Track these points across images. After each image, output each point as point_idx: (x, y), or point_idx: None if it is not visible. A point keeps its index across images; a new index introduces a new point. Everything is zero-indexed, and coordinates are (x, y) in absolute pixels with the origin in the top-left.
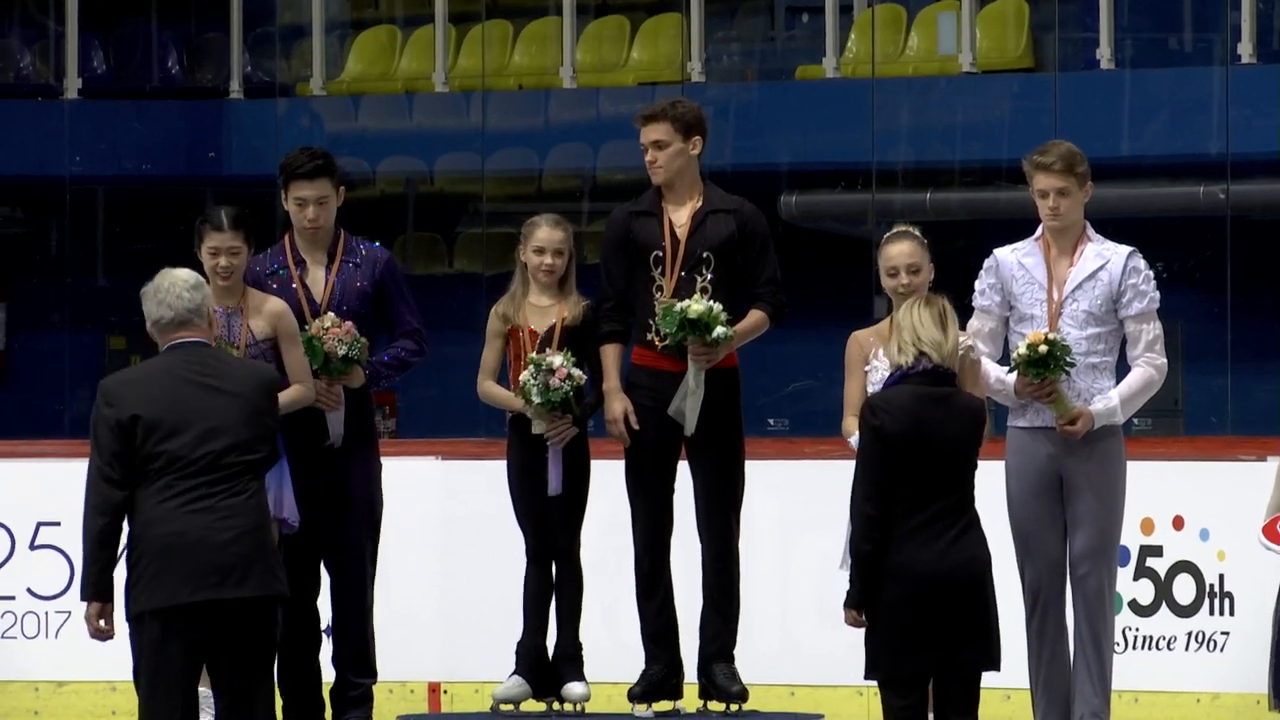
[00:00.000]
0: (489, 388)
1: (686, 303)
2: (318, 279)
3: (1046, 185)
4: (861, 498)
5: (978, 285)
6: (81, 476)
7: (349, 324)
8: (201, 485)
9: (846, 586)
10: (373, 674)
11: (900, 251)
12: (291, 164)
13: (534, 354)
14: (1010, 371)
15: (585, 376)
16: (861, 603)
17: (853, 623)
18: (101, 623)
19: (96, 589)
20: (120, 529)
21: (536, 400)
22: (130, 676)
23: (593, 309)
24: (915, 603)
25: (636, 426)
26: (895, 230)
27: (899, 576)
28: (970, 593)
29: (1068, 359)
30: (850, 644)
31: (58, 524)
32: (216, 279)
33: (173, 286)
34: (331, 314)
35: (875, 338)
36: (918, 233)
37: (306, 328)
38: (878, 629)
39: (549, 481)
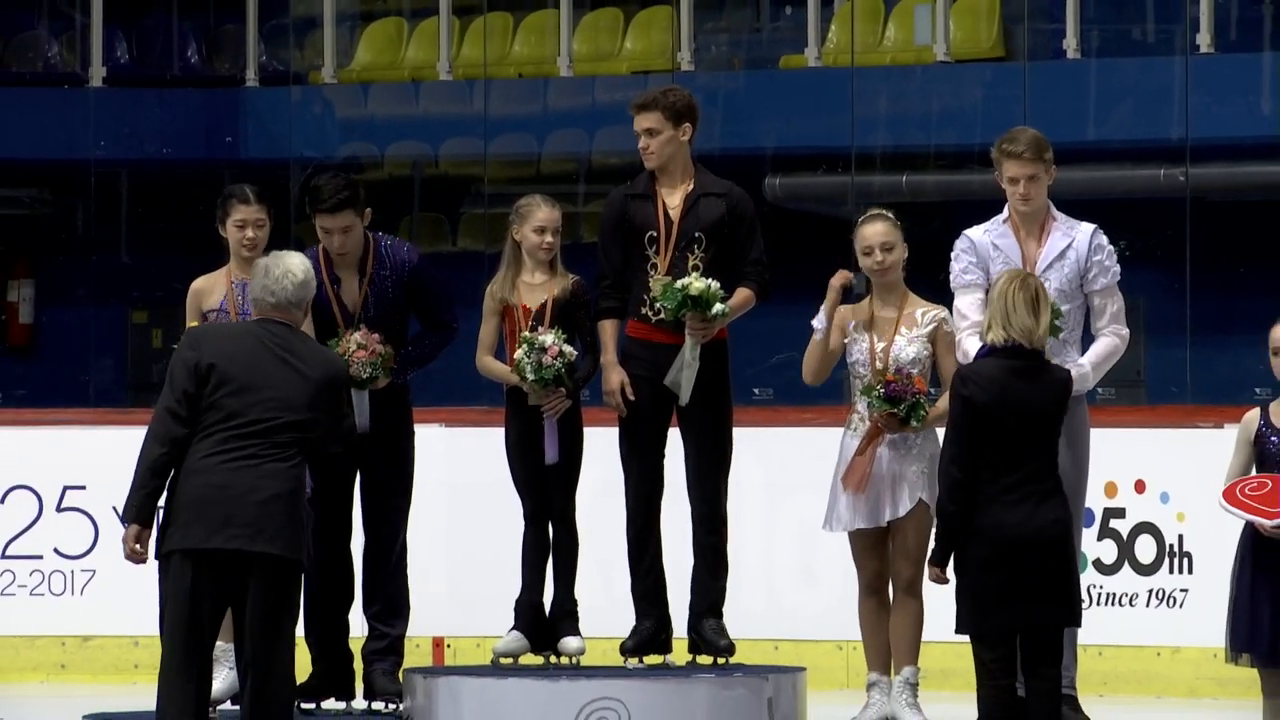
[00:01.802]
0: (487, 363)
1: (688, 280)
2: (351, 291)
3: (1017, 172)
4: (948, 461)
5: (958, 265)
6: (105, 444)
7: (375, 338)
8: (251, 446)
9: (827, 547)
10: (402, 622)
11: (874, 231)
12: (316, 195)
13: (527, 332)
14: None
15: (576, 352)
16: (945, 560)
17: (936, 579)
18: (138, 545)
19: (140, 512)
20: (173, 463)
21: (530, 377)
22: (155, 631)
23: (581, 284)
24: (1002, 562)
25: (633, 398)
26: (869, 213)
27: (987, 537)
28: (1054, 552)
29: (1057, 321)
30: (830, 603)
31: (83, 487)
32: (241, 250)
33: (284, 277)
34: (358, 336)
35: (855, 316)
36: (890, 215)
37: (334, 341)
38: (966, 586)
39: (545, 451)
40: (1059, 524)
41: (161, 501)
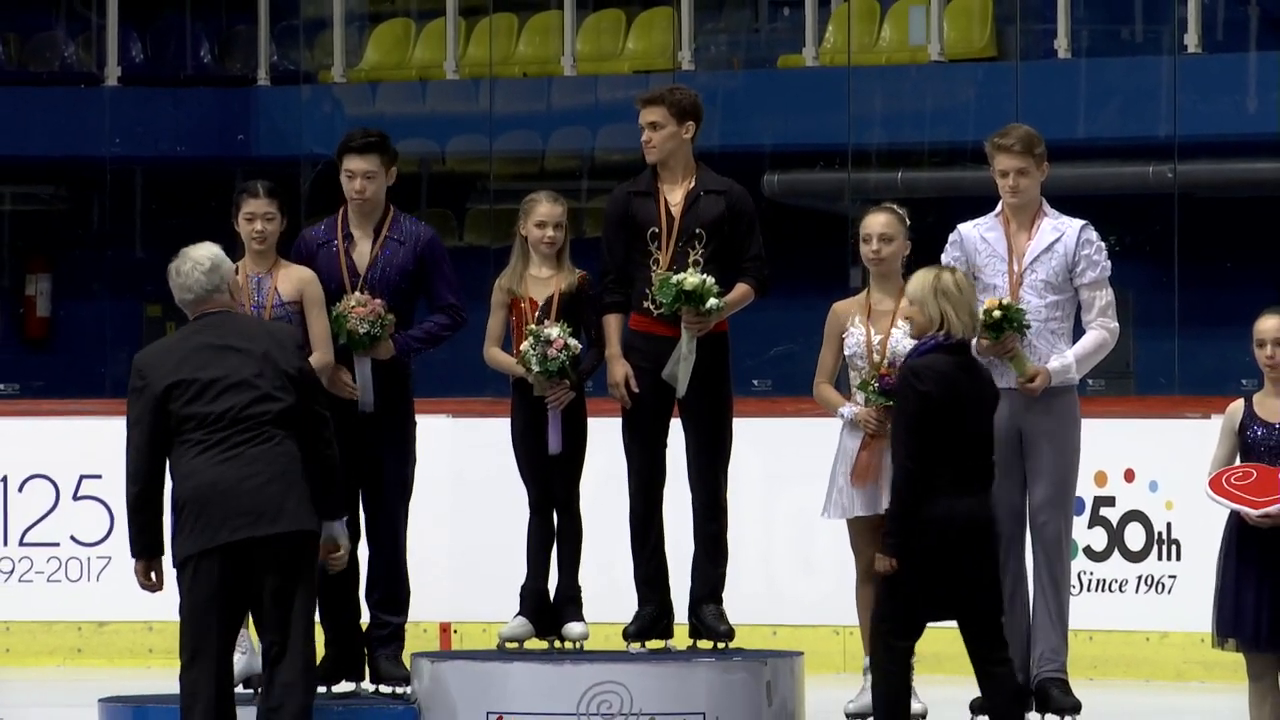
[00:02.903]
0: (494, 354)
1: (682, 276)
2: (363, 253)
3: (1006, 165)
4: (905, 455)
5: (944, 259)
6: (121, 434)
7: (377, 302)
8: (230, 437)
9: (824, 534)
10: (403, 612)
11: (876, 221)
12: (347, 139)
13: (533, 325)
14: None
15: (580, 345)
16: (901, 550)
17: (888, 570)
18: (152, 575)
19: (140, 547)
20: (153, 492)
21: (536, 368)
22: (168, 616)
23: (587, 279)
24: (951, 551)
25: (636, 390)
26: (880, 205)
27: (939, 527)
28: (991, 544)
29: (1022, 321)
30: (827, 589)
31: (99, 476)
32: (252, 243)
33: (192, 270)
34: (359, 294)
35: (855, 309)
36: (898, 210)
37: (337, 304)
38: (915, 575)
39: (549, 441)
40: (994, 518)
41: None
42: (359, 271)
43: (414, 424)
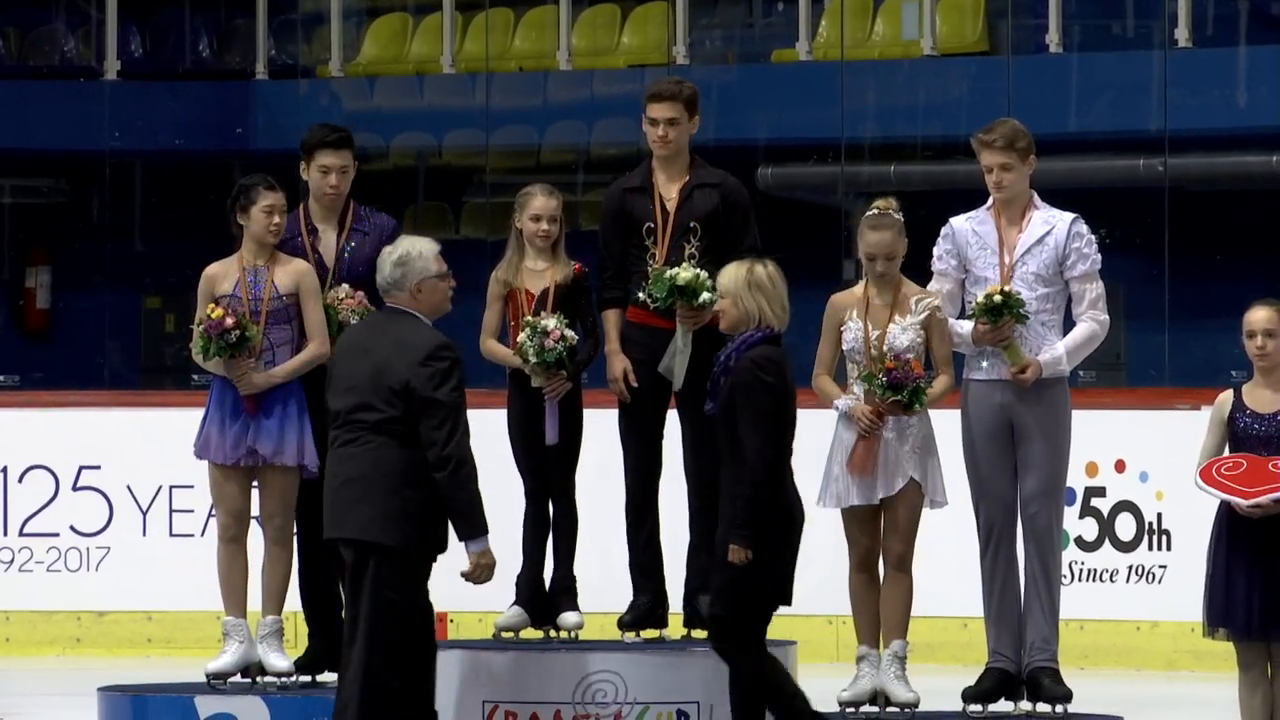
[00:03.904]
0: (491, 346)
1: (676, 270)
2: (329, 246)
3: (991, 161)
4: (764, 444)
5: (936, 251)
6: (119, 425)
7: (361, 294)
8: (339, 436)
9: (818, 524)
10: None
11: (880, 241)
12: (318, 135)
13: (530, 316)
14: (970, 317)
15: (577, 337)
16: (757, 542)
17: (744, 560)
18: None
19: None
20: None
21: (533, 359)
22: (167, 606)
23: (583, 271)
24: (797, 539)
25: (635, 384)
26: (878, 211)
27: (793, 515)
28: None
29: (1021, 309)
30: (820, 579)
31: (98, 467)
32: (268, 236)
33: (384, 258)
34: (346, 285)
35: (853, 302)
36: (897, 214)
37: (323, 296)
38: (773, 564)
39: (546, 432)
40: None
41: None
42: (328, 265)
43: None
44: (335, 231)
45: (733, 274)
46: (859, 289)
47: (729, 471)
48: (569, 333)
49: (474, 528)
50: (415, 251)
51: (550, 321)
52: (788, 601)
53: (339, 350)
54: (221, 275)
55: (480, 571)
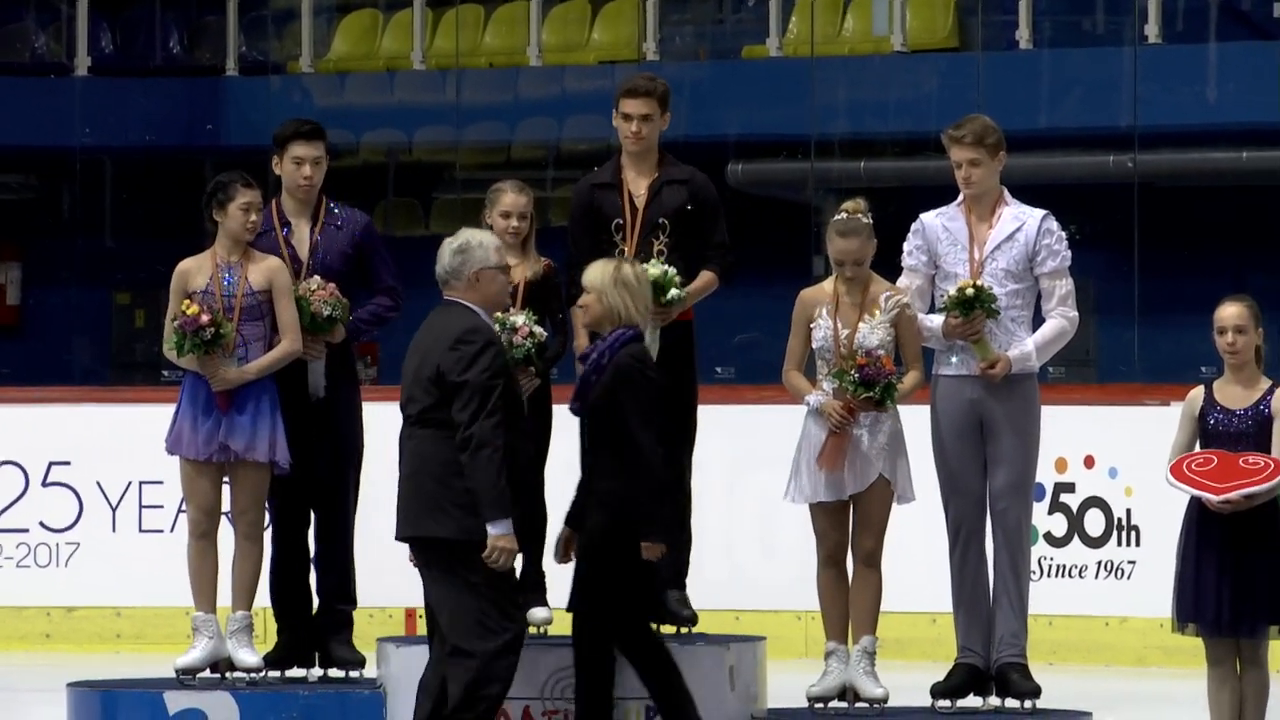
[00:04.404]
0: None
1: (644, 267)
2: (302, 239)
3: (960, 157)
4: (655, 440)
5: (906, 247)
6: (89, 421)
7: (332, 285)
8: (400, 434)
9: (787, 520)
10: (353, 601)
11: (848, 248)
12: (291, 127)
13: (499, 313)
14: (941, 310)
15: (546, 334)
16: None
17: (660, 556)
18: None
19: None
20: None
21: None
22: (136, 602)
23: (552, 267)
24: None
25: None
26: (846, 216)
27: (679, 505)
28: None
29: (993, 303)
30: (790, 575)
31: (67, 463)
32: (245, 232)
33: (445, 246)
34: (318, 277)
35: (823, 299)
36: (866, 217)
37: (294, 288)
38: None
39: None
40: None
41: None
42: (301, 258)
43: (361, 409)
44: (308, 226)
45: (600, 271)
46: (828, 285)
47: (612, 464)
48: (538, 329)
49: (492, 510)
50: (476, 241)
51: (519, 318)
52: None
53: (410, 347)
54: (194, 271)
55: (496, 554)
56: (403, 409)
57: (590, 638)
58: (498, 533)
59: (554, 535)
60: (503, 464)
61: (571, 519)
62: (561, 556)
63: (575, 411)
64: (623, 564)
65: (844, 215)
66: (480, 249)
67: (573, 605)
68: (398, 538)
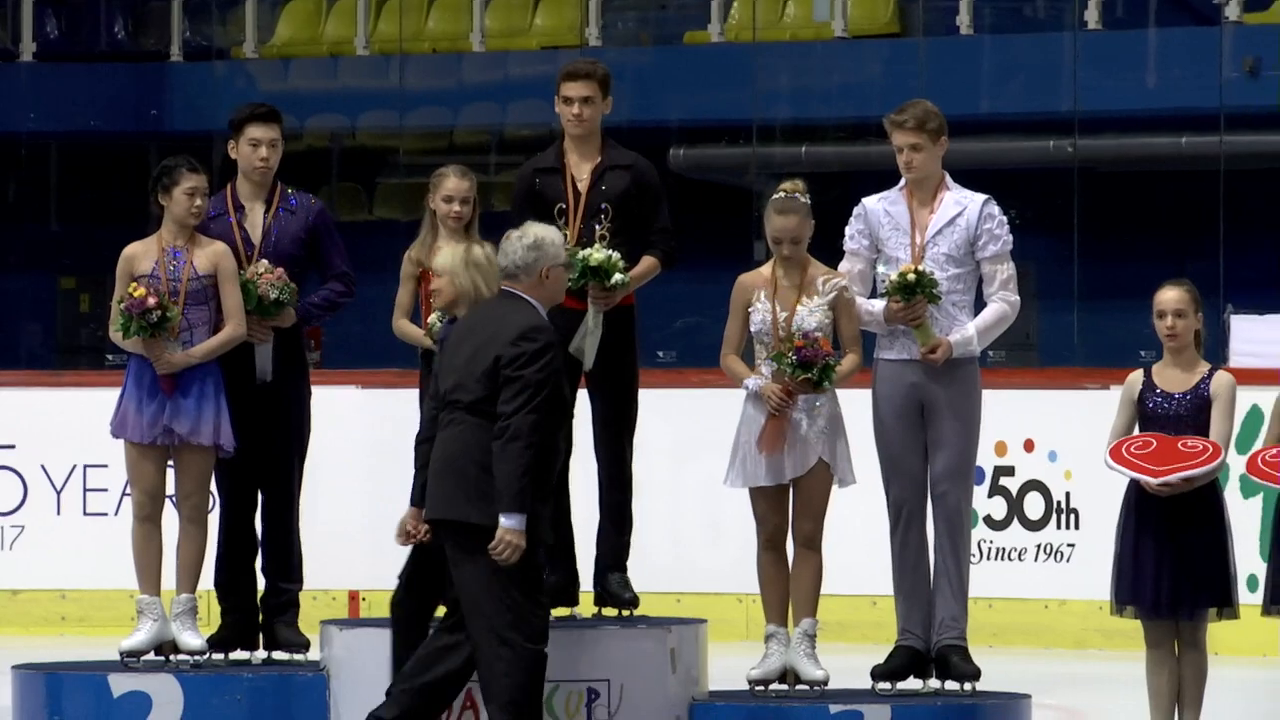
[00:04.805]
0: (403, 326)
1: (588, 252)
2: (255, 224)
3: (901, 141)
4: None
5: (848, 231)
6: (35, 405)
7: (280, 270)
8: (440, 419)
9: (730, 504)
10: (298, 581)
11: (785, 225)
12: (246, 110)
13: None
14: (882, 295)
15: None
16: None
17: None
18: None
19: (415, 495)
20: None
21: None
22: (81, 585)
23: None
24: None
25: None
26: (784, 195)
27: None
28: None
29: (934, 288)
30: (732, 558)
31: (12, 446)
32: (189, 217)
33: (517, 240)
34: (266, 261)
35: (761, 283)
36: (804, 199)
37: (243, 271)
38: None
39: None
40: None
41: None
42: (253, 242)
43: (309, 393)
44: (262, 210)
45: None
46: (766, 270)
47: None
48: None
49: (511, 502)
50: (548, 238)
51: None
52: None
53: (453, 331)
54: (140, 255)
55: (502, 547)
56: (445, 394)
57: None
58: (510, 525)
59: None
60: (531, 462)
61: (417, 498)
62: (403, 536)
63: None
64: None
65: (782, 194)
66: (553, 246)
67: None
68: (429, 519)
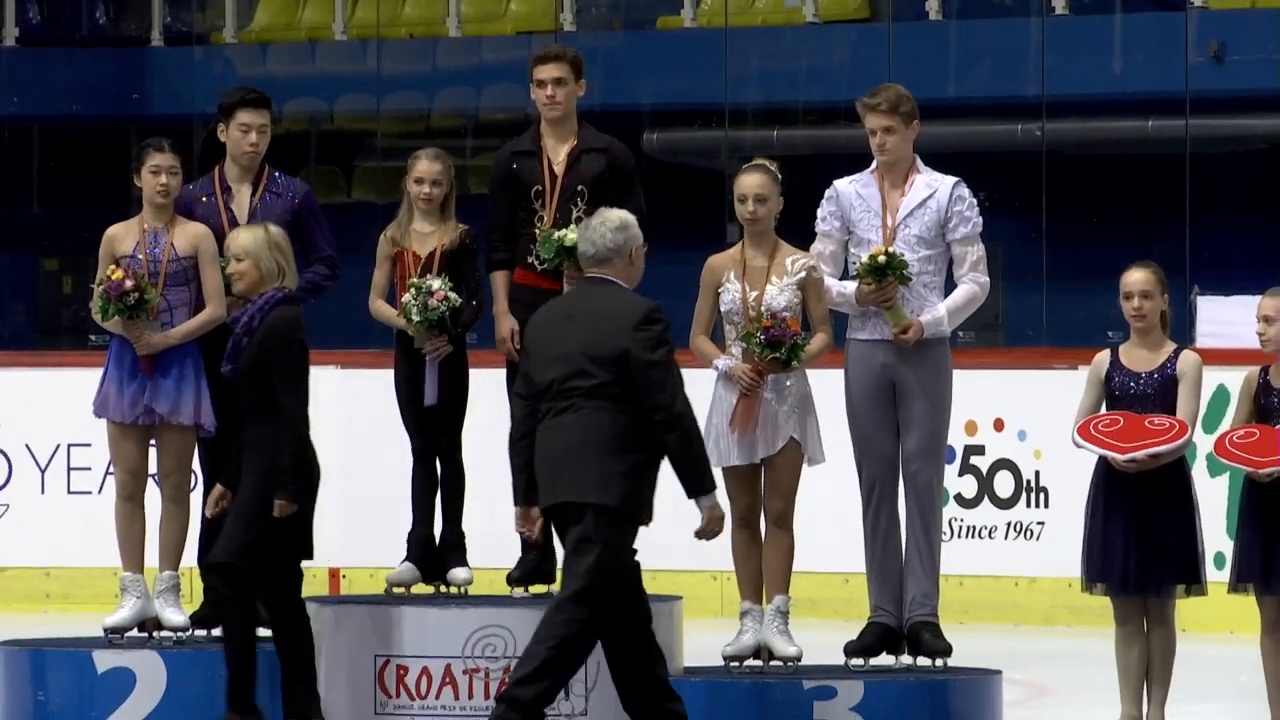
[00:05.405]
0: (379, 306)
1: (564, 233)
2: (242, 205)
3: (874, 124)
4: (300, 401)
5: (820, 213)
6: (18, 385)
7: None
8: (553, 407)
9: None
10: None
11: (751, 181)
12: (236, 95)
13: (415, 278)
14: (853, 278)
15: (460, 300)
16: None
17: (286, 514)
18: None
19: (520, 495)
20: (522, 445)
21: (415, 319)
22: (65, 563)
23: (468, 233)
24: (317, 491)
25: (519, 346)
26: (752, 163)
27: (315, 469)
28: None
29: (905, 271)
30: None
31: None
32: (155, 197)
33: (601, 224)
34: None
35: (730, 264)
36: (771, 167)
37: (227, 254)
38: (307, 515)
39: (425, 392)
40: None
41: None
42: (239, 223)
43: None
44: (249, 192)
45: (249, 236)
46: (736, 251)
47: (259, 429)
48: (453, 295)
49: (703, 483)
50: (630, 218)
51: (435, 283)
52: (310, 555)
53: (538, 322)
54: (122, 236)
55: (713, 524)
56: (554, 385)
57: (233, 597)
58: (712, 504)
59: (473, 495)
60: (699, 436)
61: (228, 478)
62: (212, 511)
63: (227, 374)
64: (274, 525)
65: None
66: (635, 228)
67: (203, 557)
68: (546, 506)
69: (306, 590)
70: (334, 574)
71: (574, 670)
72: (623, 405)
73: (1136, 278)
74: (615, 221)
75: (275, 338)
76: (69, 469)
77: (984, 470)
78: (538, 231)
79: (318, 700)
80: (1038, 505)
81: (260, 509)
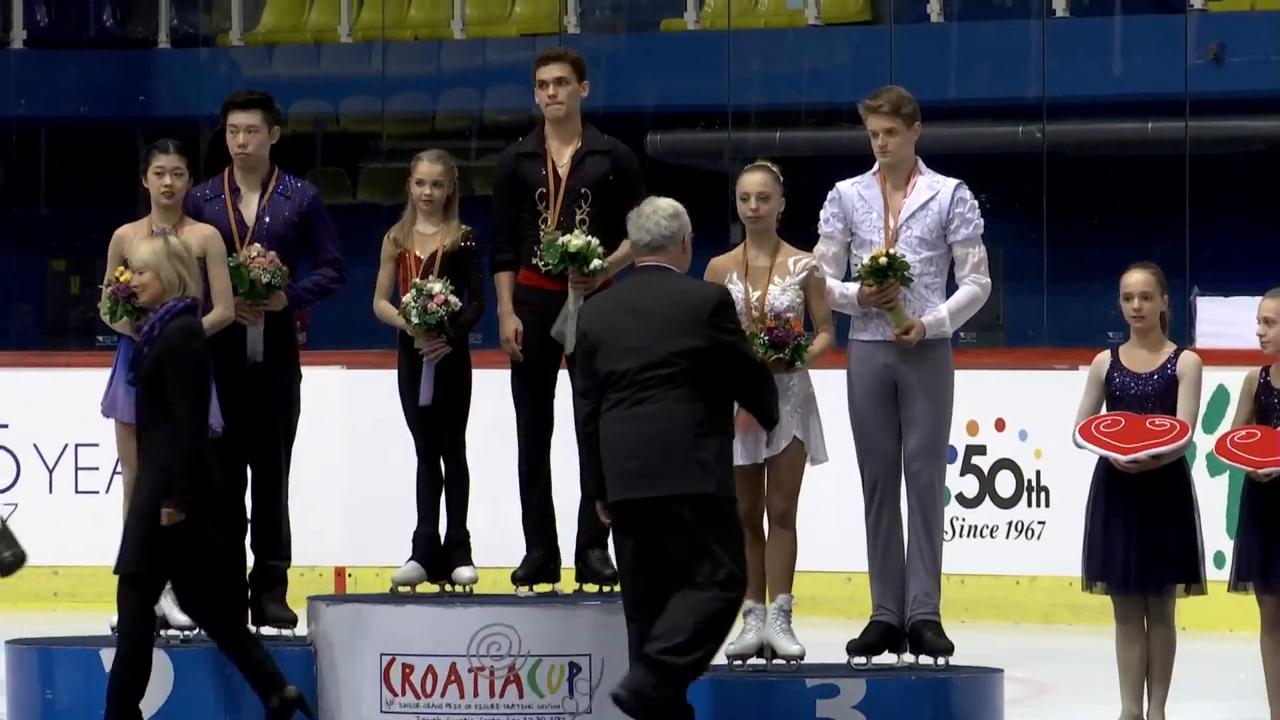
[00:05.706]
0: (382, 307)
1: (568, 237)
2: (250, 206)
3: (876, 126)
4: (193, 409)
5: (822, 214)
6: (26, 385)
7: (272, 253)
8: (626, 397)
9: None
10: (286, 558)
11: (753, 180)
12: (229, 98)
13: (417, 279)
14: (856, 279)
15: (460, 303)
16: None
17: (174, 522)
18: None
19: (598, 488)
20: (586, 435)
21: (415, 321)
22: (73, 561)
23: (470, 235)
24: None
25: (526, 346)
26: (755, 164)
27: (212, 477)
28: None
29: (907, 272)
30: None
31: (5, 426)
32: (161, 198)
33: (654, 213)
34: (258, 245)
35: (732, 265)
36: (773, 168)
37: (235, 254)
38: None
39: (420, 393)
40: None
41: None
42: (246, 224)
43: (299, 375)
44: (258, 194)
45: (149, 248)
46: (738, 252)
47: (154, 436)
48: (453, 299)
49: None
50: (681, 208)
51: (436, 285)
52: (241, 570)
53: (600, 314)
54: (131, 237)
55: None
56: (636, 372)
57: (131, 603)
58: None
59: (478, 494)
60: None
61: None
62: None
63: (130, 382)
64: (167, 532)
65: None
66: (685, 215)
67: (118, 568)
68: (637, 499)
69: (314, 589)
70: (340, 573)
71: (717, 650)
72: (699, 390)
73: (1136, 279)
74: (668, 209)
75: (171, 346)
76: (76, 469)
77: (985, 470)
78: (542, 233)
79: (277, 670)
80: (1038, 505)
81: (152, 518)
